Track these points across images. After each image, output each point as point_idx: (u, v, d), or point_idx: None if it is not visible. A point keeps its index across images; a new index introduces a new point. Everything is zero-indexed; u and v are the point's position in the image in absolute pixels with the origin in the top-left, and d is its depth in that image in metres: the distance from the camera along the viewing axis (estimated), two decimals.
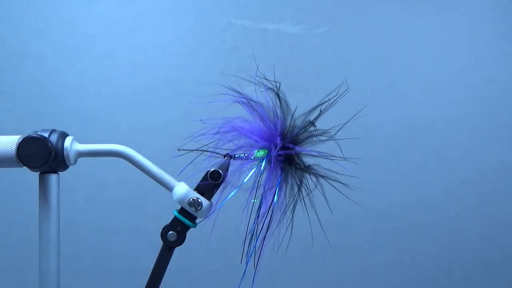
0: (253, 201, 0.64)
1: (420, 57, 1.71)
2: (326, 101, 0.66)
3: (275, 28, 1.64)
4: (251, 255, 0.64)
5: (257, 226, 0.64)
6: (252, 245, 0.64)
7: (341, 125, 0.67)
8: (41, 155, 0.64)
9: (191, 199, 0.66)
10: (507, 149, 1.72)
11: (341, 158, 0.66)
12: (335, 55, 1.67)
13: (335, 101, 0.67)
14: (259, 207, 0.64)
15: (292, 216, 0.66)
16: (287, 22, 1.65)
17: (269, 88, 0.67)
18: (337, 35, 1.67)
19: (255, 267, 0.63)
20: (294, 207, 0.65)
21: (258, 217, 0.64)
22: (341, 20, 1.68)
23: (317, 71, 1.63)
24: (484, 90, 1.72)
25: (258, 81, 0.67)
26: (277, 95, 0.66)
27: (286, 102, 0.66)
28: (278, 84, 0.67)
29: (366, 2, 1.70)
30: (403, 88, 1.69)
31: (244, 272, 0.63)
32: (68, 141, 0.67)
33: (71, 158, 0.67)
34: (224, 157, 0.67)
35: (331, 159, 0.65)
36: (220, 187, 0.67)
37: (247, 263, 0.64)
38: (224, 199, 0.65)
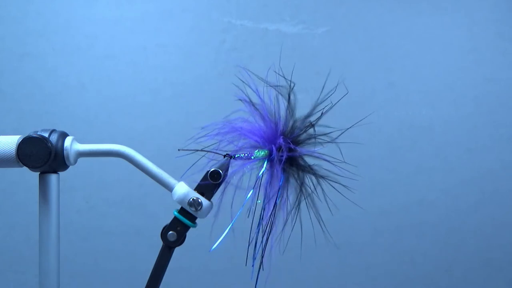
0: (257, 201, 0.64)
1: (420, 57, 1.71)
2: (325, 102, 0.66)
3: (275, 28, 1.64)
4: (255, 257, 0.64)
5: (261, 227, 0.64)
6: (256, 246, 0.64)
7: (343, 130, 0.67)
8: (41, 155, 0.64)
9: (191, 199, 0.66)
10: (507, 149, 1.72)
11: (341, 161, 0.66)
12: (335, 55, 1.67)
13: (335, 104, 0.67)
14: (263, 208, 0.64)
15: (295, 216, 0.65)
16: (287, 22, 1.65)
17: (280, 88, 0.67)
18: (337, 35, 1.67)
19: (259, 268, 0.63)
20: (296, 207, 0.65)
21: (261, 219, 0.64)
22: (341, 20, 1.68)
23: (317, 71, 1.63)
24: (484, 90, 1.72)
25: (265, 80, 0.67)
26: (288, 96, 0.66)
27: (294, 103, 0.66)
28: (292, 85, 0.67)
29: (366, 2, 1.69)
30: (403, 88, 1.69)
31: (252, 273, 0.63)
32: (68, 141, 0.67)
33: (71, 158, 0.67)
34: (224, 157, 0.67)
35: (331, 162, 0.65)
36: (220, 187, 0.67)
37: (252, 264, 0.64)
38: (242, 204, 0.64)
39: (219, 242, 0.64)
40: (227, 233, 0.61)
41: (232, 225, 0.63)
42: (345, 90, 0.72)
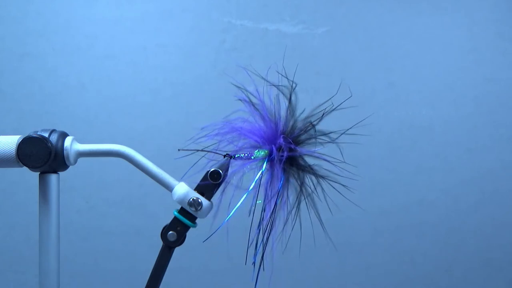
0: (258, 201, 0.64)
1: (420, 57, 1.71)
2: (328, 104, 0.66)
3: (275, 28, 1.64)
4: (255, 257, 0.64)
5: (261, 227, 0.64)
6: (256, 246, 0.64)
7: (344, 131, 0.67)
8: (41, 155, 0.64)
9: (191, 199, 0.66)
10: (507, 149, 1.72)
11: (341, 161, 0.66)
12: (335, 55, 1.67)
13: (337, 107, 0.67)
14: (263, 208, 0.64)
15: (295, 216, 0.65)
16: (287, 22, 1.65)
17: (281, 88, 0.67)
18: (337, 35, 1.67)
19: (259, 268, 0.63)
20: (296, 207, 0.65)
21: (262, 219, 0.64)
22: (341, 20, 1.68)
23: (317, 71, 1.63)
24: (484, 90, 1.72)
25: (266, 80, 0.67)
26: (290, 96, 0.66)
27: (295, 103, 0.66)
28: (294, 85, 0.67)
29: (366, 2, 1.69)
30: (403, 88, 1.69)
31: (253, 274, 0.63)
32: (68, 141, 0.67)
33: (71, 158, 0.67)
34: (224, 157, 0.67)
35: (331, 162, 0.65)
36: (220, 187, 0.67)
37: (253, 264, 0.64)
38: (237, 203, 0.64)
39: (216, 237, 0.64)
40: (226, 232, 0.61)
41: (228, 219, 0.63)
42: (345, 90, 0.72)
